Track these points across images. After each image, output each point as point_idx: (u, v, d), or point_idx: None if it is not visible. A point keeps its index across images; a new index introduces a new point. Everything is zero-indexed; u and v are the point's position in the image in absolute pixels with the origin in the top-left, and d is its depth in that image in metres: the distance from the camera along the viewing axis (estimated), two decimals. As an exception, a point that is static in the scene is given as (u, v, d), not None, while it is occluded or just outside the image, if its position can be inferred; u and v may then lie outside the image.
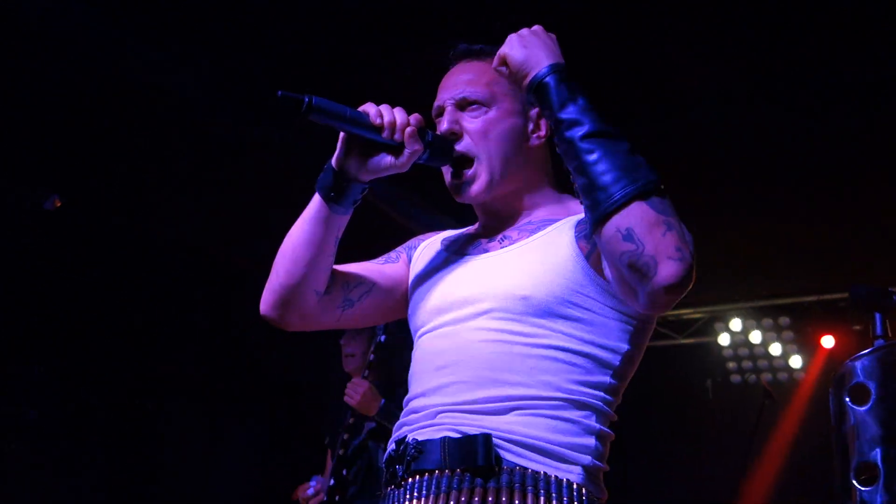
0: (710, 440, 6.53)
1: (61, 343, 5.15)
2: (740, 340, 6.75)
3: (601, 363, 1.60)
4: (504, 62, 1.61)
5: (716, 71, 4.21)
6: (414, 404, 1.68)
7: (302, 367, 6.06)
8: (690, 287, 1.41)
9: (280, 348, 5.69)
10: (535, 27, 1.64)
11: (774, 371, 6.68)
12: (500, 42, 1.65)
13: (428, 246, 1.92)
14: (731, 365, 6.84)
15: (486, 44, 1.81)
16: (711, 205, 5.37)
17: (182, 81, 4.14)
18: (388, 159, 1.69)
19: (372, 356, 3.85)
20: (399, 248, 1.97)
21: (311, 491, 4.09)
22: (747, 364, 6.76)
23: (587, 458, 1.54)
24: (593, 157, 1.46)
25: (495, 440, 1.52)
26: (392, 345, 3.80)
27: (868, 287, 1.90)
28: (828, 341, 6.37)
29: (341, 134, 1.69)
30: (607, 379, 1.61)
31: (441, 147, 1.72)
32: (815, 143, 4.67)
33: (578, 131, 1.48)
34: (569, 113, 1.50)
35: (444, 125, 1.76)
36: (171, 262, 5.78)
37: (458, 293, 1.70)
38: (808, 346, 6.52)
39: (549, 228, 1.70)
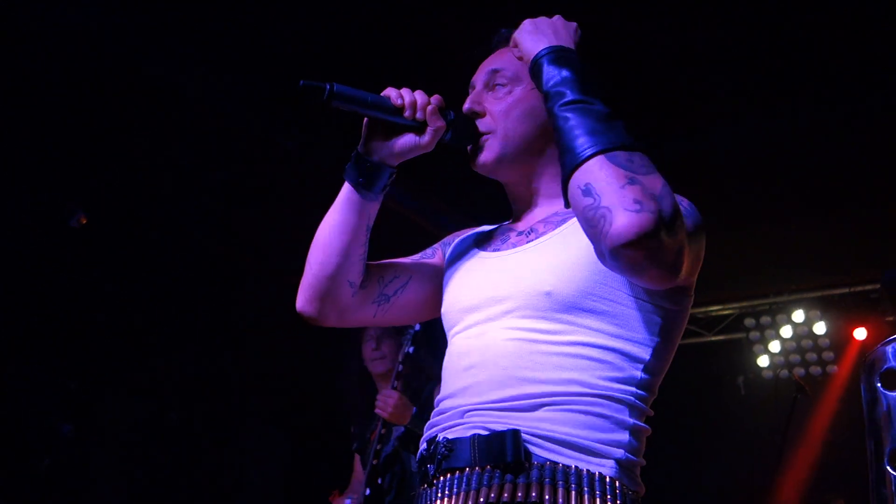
0: (746, 436, 6.45)
1: (95, 358, 5.19)
2: (771, 335, 6.67)
3: (631, 358, 1.59)
4: (516, 45, 1.64)
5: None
6: (444, 405, 1.68)
7: (324, 368, 6.08)
8: (661, 243, 1.32)
9: (304, 352, 5.71)
10: (555, 17, 1.66)
11: (807, 365, 6.59)
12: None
13: (461, 242, 1.93)
14: (763, 360, 6.76)
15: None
16: (736, 201, 5.35)
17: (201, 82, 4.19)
18: (412, 139, 1.71)
19: (400, 366, 3.84)
20: (435, 245, 1.99)
21: (348, 501, 4.10)
22: (779, 359, 6.68)
23: (620, 452, 1.53)
24: (569, 123, 1.45)
25: (524, 436, 1.52)
26: (419, 357, 3.80)
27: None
28: (860, 333, 6.28)
29: (365, 119, 1.72)
30: (638, 374, 1.59)
31: (463, 125, 1.75)
32: (845, 133, 4.65)
33: (559, 101, 1.49)
34: (552, 86, 1.51)
35: (466, 104, 1.79)
36: (200, 273, 5.81)
37: (485, 292, 1.70)
38: (840, 338, 6.43)
39: (572, 220, 1.68)
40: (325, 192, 1.86)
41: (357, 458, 4.16)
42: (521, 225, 1.81)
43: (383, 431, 3.85)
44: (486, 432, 1.55)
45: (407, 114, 1.69)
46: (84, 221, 4.81)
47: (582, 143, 1.41)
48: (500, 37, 1.86)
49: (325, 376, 6.01)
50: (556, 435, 1.52)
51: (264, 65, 4.23)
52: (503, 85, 1.79)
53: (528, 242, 1.73)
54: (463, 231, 1.99)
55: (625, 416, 1.56)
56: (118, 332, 5.35)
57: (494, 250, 1.79)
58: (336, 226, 1.77)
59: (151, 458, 5.60)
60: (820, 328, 6.45)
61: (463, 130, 1.75)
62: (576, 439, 1.51)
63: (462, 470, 1.55)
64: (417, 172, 1.81)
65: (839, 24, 3.85)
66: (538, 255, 1.67)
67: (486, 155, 1.76)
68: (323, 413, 6.13)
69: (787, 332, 6.60)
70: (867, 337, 6.24)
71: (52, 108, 4.32)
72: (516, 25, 1.71)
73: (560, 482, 1.47)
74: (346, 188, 1.77)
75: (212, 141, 4.64)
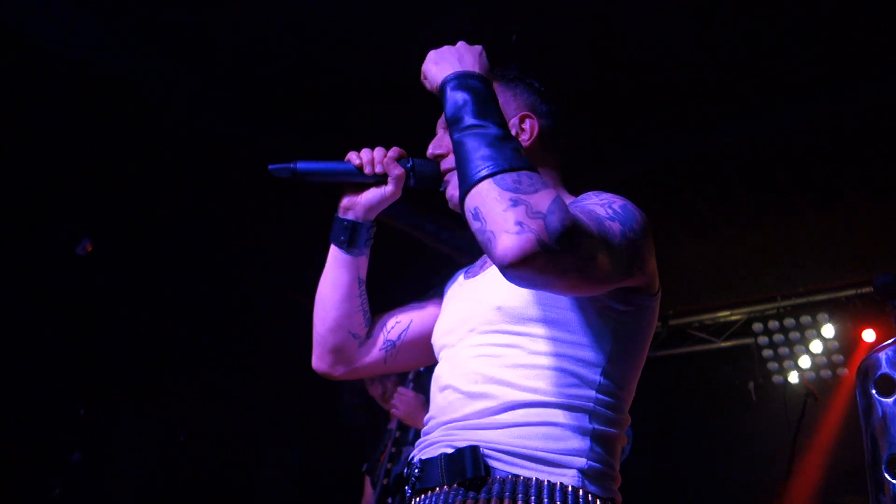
0: (757, 442, 6.43)
1: (103, 385, 5.21)
2: (780, 340, 6.64)
3: (587, 363, 1.61)
4: (425, 77, 1.69)
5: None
6: (425, 428, 1.76)
7: (335, 389, 6.07)
8: (549, 258, 1.34)
9: (315, 373, 5.70)
10: (459, 43, 1.71)
11: (817, 369, 6.56)
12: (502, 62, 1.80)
13: (454, 278, 2.03)
14: (773, 365, 6.73)
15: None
16: (741, 205, 5.35)
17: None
18: (378, 192, 1.85)
19: (422, 367, 3.85)
20: (436, 287, 2.07)
21: None
22: (789, 363, 6.65)
23: (581, 461, 1.55)
24: (464, 148, 1.48)
25: (485, 451, 1.56)
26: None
27: (892, 275, 1.87)
28: (869, 335, 6.23)
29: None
30: (597, 378, 1.61)
31: (424, 169, 1.86)
32: (848, 139, 4.64)
33: (456, 127, 1.52)
34: (452, 113, 1.55)
35: (429, 149, 1.88)
36: (207, 296, 5.83)
37: (457, 316, 1.80)
38: (849, 341, 6.39)
39: None
40: (328, 208, 1.96)
41: (367, 478, 4.16)
42: None
43: (394, 450, 3.86)
44: (451, 450, 1.60)
45: (367, 170, 1.81)
46: (90, 249, 4.84)
47: (472, 167, 1.44)
48: None
49: (335, 396, 6.03)
50: (515, 448, 1.55)
51: (267, 85, 4.26)
52: None
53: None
54: (464, 268, 2.06)
55: (584, 423, 1.58)
56: (126, 358, 5.37)
57: (472, 276, 1.89)
58: (330, 285, 1.91)
59: (162, 482, 5.60)
60: (828, 331, 6.42)
61: (425, 174, 1.85)
62: (534, 451, 1.54)
63: (433, 489, 1.60)
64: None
65: (846, 17, 3.84)
66: (495, 274, 1.71)
67: (451, 192, 1.83)
68: (333, 434, 6.14)
69: (795, 336, 6.56)
70: (876, 339, 6.20)
71: (56, 137, 4.37)
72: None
73: (520, 495, 1.50)
74: (333, 249, 1.91)
75: (214, 164, 4.67)
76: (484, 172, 1.42)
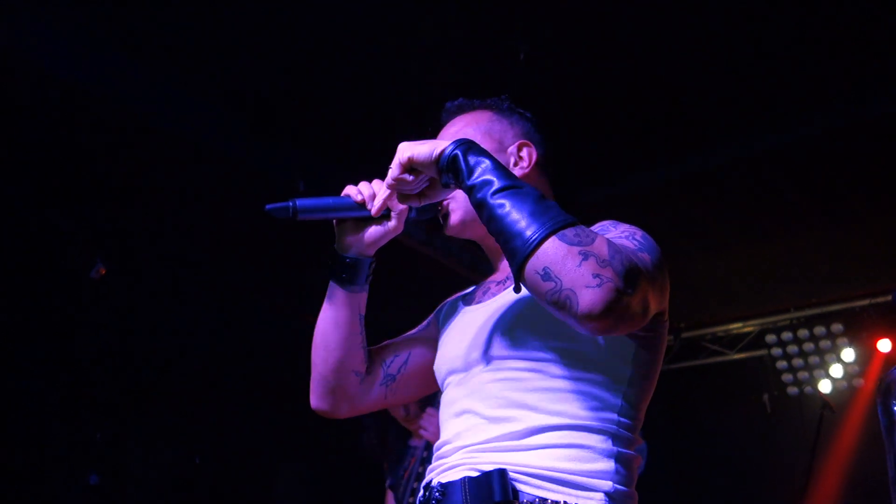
0: (773, 455, 6.40)
1: (121, 408, 5.23)
2: (794, 352, 6.62)
3: (608, 386, 1.62)
4: (409, 166, 1.62)
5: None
6: (440, 451, 1.73)
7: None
8: (626, 303, 1.36)
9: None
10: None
11: (832, 380, 6.53)
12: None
13: (450, 306, 2.01)
14: (787, 377, 6.70)
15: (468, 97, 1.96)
16: (752, 218, 5.35)
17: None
18: (381, 228, 1.80)
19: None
20: (430, 317, 2.07)
21: None
22: (803, 375, 6.62)
23: (608, 485, 1.55)
24: (504, 209, 1.45)
25: (512, 474, 1.54)
26: None
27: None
28: (884, 345, 6.21)
29: (334, 222, 1.82)
30: (619, 401, 1.62)
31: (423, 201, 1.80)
32: (861, 149, 4.64)
33: (488, 190, 1.49)
34: (477, 177, 1.52)
35: None
36: (220, 318, 5.85)
37: (467, 342, 1.76)
38: (864, 351, 6.36)
39: None
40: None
41: (389, 494, 4.15)
42: (500, 275, 1.88)
43: (420, 470, 3.84)
44: (475, 473, 1.58)
45: (369, 206, 1.75)
46: (103, 272, 4.87)
47: (528, 227, 1.41)
48: (446, 111, 1.97)
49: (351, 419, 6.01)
50: (542, 471, 1.54)
51: (270, 104, 4.30)
52: None
53: (504, 289, 1.79)
54: (451, 298, 2.06)
55: (608, 446, 1.58)
56: (141, 381, 5.39)
57: (477, 303, 1.86)
58: (330, 323, 1.86)
59: (175, 499, 5.62)
60: (843, 342, 6.40)
61: (426, 206, 1.80)
62: (561, 474, 1.53)
63: None
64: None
65: (855, 29, 3.84)
66: (512, 299, 1.72)
67: (452, 219, 1.84)
68: (352, 450, 6.14)
69: (809, 347, 6.54)
70: (892, 349, 6.17)
71: (67, 162, 4.40)
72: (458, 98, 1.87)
73: None
74: (332, 286, 1.85)
75: (224, 187, 4.70)
76: (546, 231, 1.40)
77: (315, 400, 1.92)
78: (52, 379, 4.91)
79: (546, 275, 1.38)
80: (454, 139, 1.58)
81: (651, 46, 3.93)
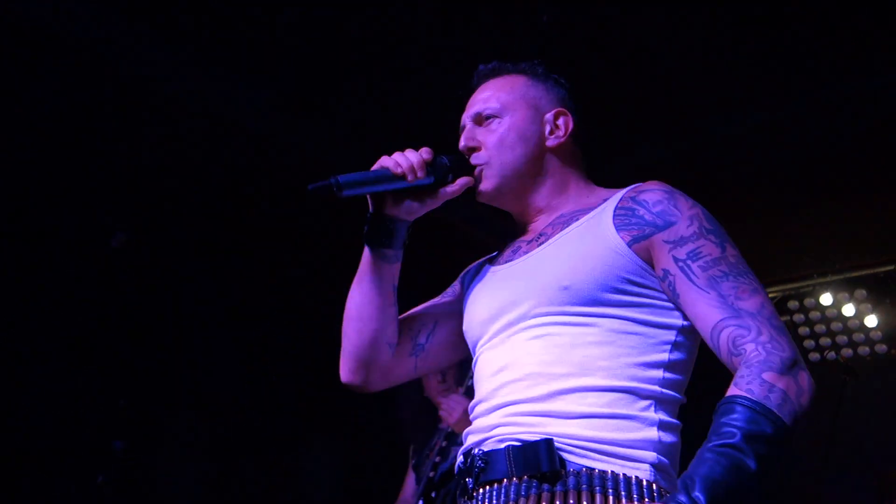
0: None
1: (145, 375, 5.27)
2: (816, 317, 6.56)
3: (656, 340, 1.62)
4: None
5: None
6: (477, 410, 1.72)
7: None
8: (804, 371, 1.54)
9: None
10: None
11: (854, 346, 6.48)
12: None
13: (474, 269, 2.00)
14: (809, 343, 6.66)
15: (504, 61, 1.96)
16: (778, 184, 5.31)
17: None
18: (422, 199, 1.81)
19: (471, 381, 3.85)
20: (454, 283, 2.05)
21: None
22: (825, 341, 6.57)
23: (652, 455, 1.55)
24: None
25: (558, 444, 1.54)
26: None
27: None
28: (908, 311, 6.16)
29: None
30: (665, 356, 1.62)
31: (459, 165, 1.83)
32: (882, 113, 4.57)
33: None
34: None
35: (462, 143, 1.85)
36: (250, 286, 5.85)
37: (503, 299, 1.74)
38: (887, 318, 6.30)
39: (584, 218, 1.74)
40: (360, 205, 1.92)
41: (410, 474, 4.14)
42: (529, 235, 1.87)
43: (444, 444, 3.83)
44: (518, 443, 1.58)
45: (410, 178, 1.75)
46: (125, 241, 4.89)
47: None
48: (479, 74, 1.96)
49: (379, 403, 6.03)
50: (589, 442, 1.54)
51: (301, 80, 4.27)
52: (492, 117, 1.85)
53: (539, 246, 1.77)
54: (476, 263, 2.05)
55: (651, 413, 1.58)
56: (166, 348, 5.43)
57: (507, 262, 1.85)
58: (365, 294, 1.85)
59: (207, 471, 5.67)
60: (866, 308, 6.34)
61: (459, 171, 1.83)
62: (607, 445, 1.54)
63: (500, 482, 1.58)
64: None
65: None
66: (552, 254, 1.71)
67: (485, 185, 1.84)
68: (381, 426, 6.16)
69: (832, 313, 6.49)
70: (915, 315, 6.12)
71: (86, 130, 4.41)
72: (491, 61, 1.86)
73: (597, 488, 1.49)
74: (367, 256, 1.85)
75: (249, 158, 4.69)
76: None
77: (346, 374, 1.90)
78: (72, 346, 4.95)
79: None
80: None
81: (668, 15, 3.86)
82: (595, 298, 1.60)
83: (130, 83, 4.04)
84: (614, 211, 1.68)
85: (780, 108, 4.56)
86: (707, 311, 1.54)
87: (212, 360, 5.66)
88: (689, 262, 1.58)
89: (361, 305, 1.86)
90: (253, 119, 4.34)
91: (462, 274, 2.05)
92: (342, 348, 1.89)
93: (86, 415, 4.88)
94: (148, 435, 5.23)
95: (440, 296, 2.03)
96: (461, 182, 1.80)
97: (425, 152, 1.80)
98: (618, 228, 1.63)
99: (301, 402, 6.12)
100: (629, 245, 1.61)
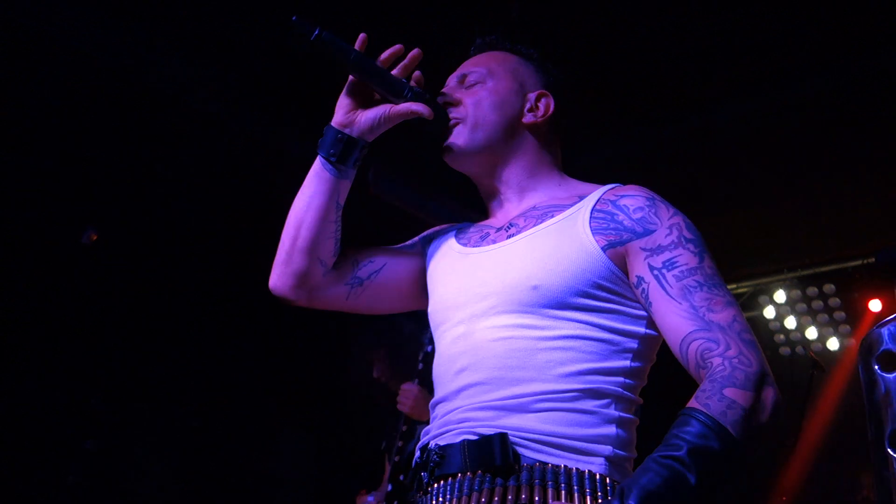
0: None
1: (117, 374, 5.23)
2: (786, 312, 6.64)
3: (619, 348, 1.61)
4: None
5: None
6: (438, 409, 1.71)
7: (353, 369, 6.09)
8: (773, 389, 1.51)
9: (333, 353, 5.75)
10: None
11: (824, 340, 6.56)
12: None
13: (439, 239, 1.95)
14: (779, 337, 6.73)
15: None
16: (743, 177, 5.34)
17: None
18: (384, 109, 1.76)
19: (421, 365, 3.87)
20: (415, 238, 2.01)
21: (370, 498, 4.13)
22: (795, 335, 6.65)
23: (608, 449, 1.55)
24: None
25: (513, 438, 1.54)
26: None
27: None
28: (875, 305, 6.24)
29: (348, 83, 1.77)
30: (626, 363, 1.62)
31: (437, 111, 1.79)
32: (853, 110, 4.62)
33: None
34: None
35: (440, 97, 1.85)
36: (218, 281, 5.83)
37: (470, 289, 1.72)
38: (855, 312, 6.39)
39: (560, 216, 1.71)
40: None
41: (386, 457, 4.19)
42: (498, 220, 1.84)
43: (404, 428, 3.89)
44: (475, 437, 1.57)
45: (394, 71, 1.75)
46: (95, 238, 4.84)
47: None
48: (476, 46, 1.96)
49: (353, 377, 6.04)
50: (544, 436, 1.54)
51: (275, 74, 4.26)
52: (476, 81, 1.85)
53: (508, 238, 1.75)
54: (439, 228, 2.01)
55: (611, 410, 1.58)
56: (136, 345, 5.39)
57: (475, 246, 1.81)
58: (306, 202, 1.80)
59: (178, 466, 5.64)
60: (835, 302, 6.42)
61: (441, 116, 1.80)
62: (563, 439, 1.53)
63: (454, 476, 1.57)
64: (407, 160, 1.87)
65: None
66: (523, 250, 1.68)
67: (455, 139, 1.80)
68: (353, 413, 6.16)
69: (801, 307, 6.56)
70: (882, 309, 6.20)
71: (60, 124, 4.37)
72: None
73: (549, 482, 1.49)
74: (318, 164, 1.80)
75: (220, 151, 4.67)
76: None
77: (275, 279, 1.86)
78: (41, 345, 4.91)
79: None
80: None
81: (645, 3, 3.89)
82: (563, 301, 1.60)
83: (106, 76, 4.01)
84: (591, 212, 1.67)
85: (749, 101, 4.59)
86: (678, 322, 1.54)
87: (183, 358, 5.63)
88: (664, 270, 1.58)
89: (299, 211, 1.81)
90: (226, 112, 4.32)
91: (424, 235, 2.01)
92: (276, 255, 1.86)
93: (57, 414, 4.83)
94: (119, 434, 5.19)
95: (399, 245, 1.98)
96: (418, 106, 1.74)
97: (418, 75, 1.80)
98: (594, 231, 1.63)
99: (272, 399, 6.11)
100: (604, 249, 1.61)
